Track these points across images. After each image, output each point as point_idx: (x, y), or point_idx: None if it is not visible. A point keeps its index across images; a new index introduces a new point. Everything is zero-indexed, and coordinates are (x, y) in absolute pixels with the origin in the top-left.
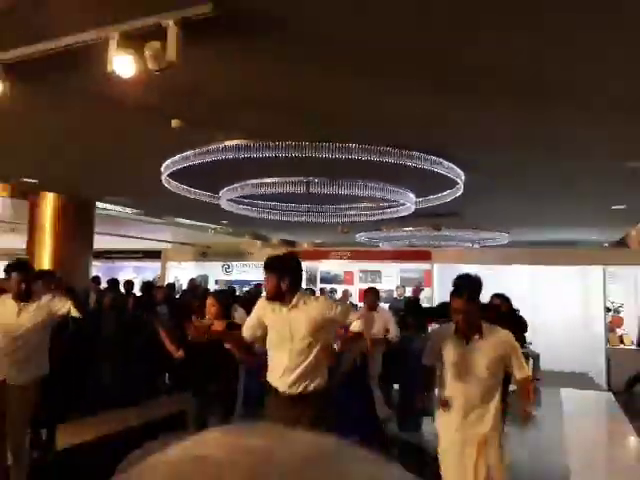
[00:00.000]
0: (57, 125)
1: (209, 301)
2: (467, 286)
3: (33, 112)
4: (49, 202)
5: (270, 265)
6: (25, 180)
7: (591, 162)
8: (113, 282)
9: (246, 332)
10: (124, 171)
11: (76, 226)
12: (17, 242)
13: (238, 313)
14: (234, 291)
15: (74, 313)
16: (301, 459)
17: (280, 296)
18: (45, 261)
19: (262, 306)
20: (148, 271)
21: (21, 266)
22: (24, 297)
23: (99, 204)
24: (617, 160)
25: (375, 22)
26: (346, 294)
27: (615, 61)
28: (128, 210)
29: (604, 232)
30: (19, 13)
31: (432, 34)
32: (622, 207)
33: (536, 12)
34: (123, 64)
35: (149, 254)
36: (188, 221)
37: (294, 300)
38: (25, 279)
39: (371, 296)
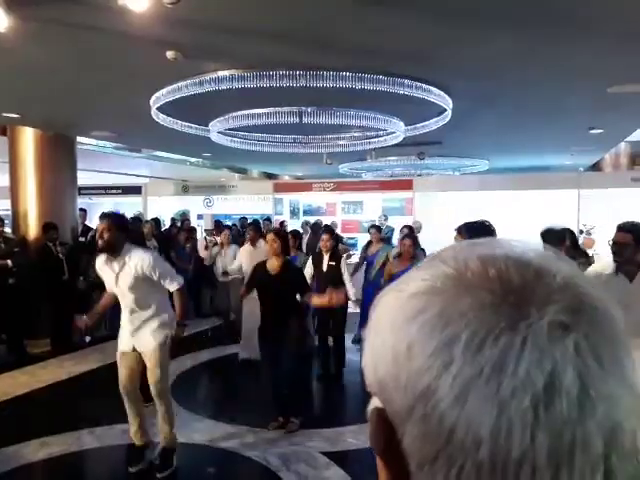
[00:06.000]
0: (44, 58)
1: (270, 237)
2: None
3: (21, 46)
4: (30, 137)
5: None
6: (6, 115)
7: (573, 87)
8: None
9: None
10: (112, 105)
11: (60, 161)
12: None
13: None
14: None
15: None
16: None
17: None
18: (30, 197)
19: None
20: (128, 207)
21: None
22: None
23: (79, 138)
24: (599, 86)
25: None
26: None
27: None
28: (108, 145)
29: (579, 157)
30: None
31: None
32: (600, 131)
33: None
34: None
35: (128, 190)
36: (168, 154)
37: None
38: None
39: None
